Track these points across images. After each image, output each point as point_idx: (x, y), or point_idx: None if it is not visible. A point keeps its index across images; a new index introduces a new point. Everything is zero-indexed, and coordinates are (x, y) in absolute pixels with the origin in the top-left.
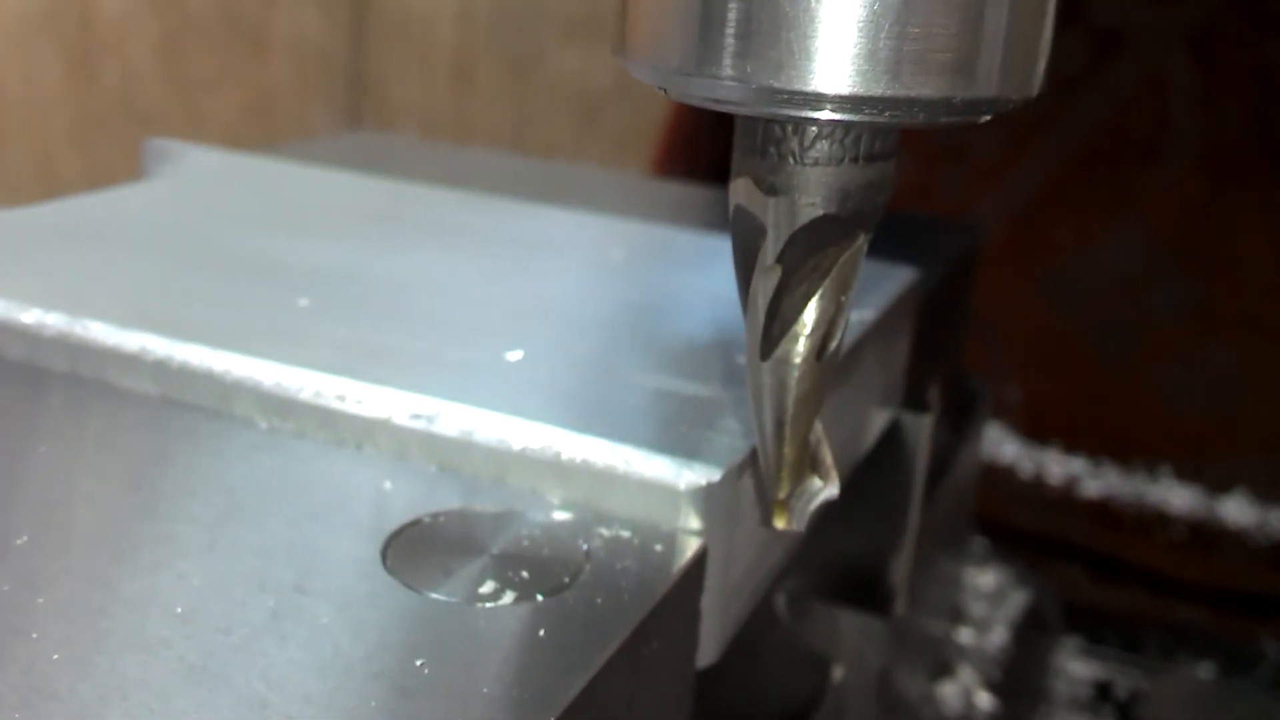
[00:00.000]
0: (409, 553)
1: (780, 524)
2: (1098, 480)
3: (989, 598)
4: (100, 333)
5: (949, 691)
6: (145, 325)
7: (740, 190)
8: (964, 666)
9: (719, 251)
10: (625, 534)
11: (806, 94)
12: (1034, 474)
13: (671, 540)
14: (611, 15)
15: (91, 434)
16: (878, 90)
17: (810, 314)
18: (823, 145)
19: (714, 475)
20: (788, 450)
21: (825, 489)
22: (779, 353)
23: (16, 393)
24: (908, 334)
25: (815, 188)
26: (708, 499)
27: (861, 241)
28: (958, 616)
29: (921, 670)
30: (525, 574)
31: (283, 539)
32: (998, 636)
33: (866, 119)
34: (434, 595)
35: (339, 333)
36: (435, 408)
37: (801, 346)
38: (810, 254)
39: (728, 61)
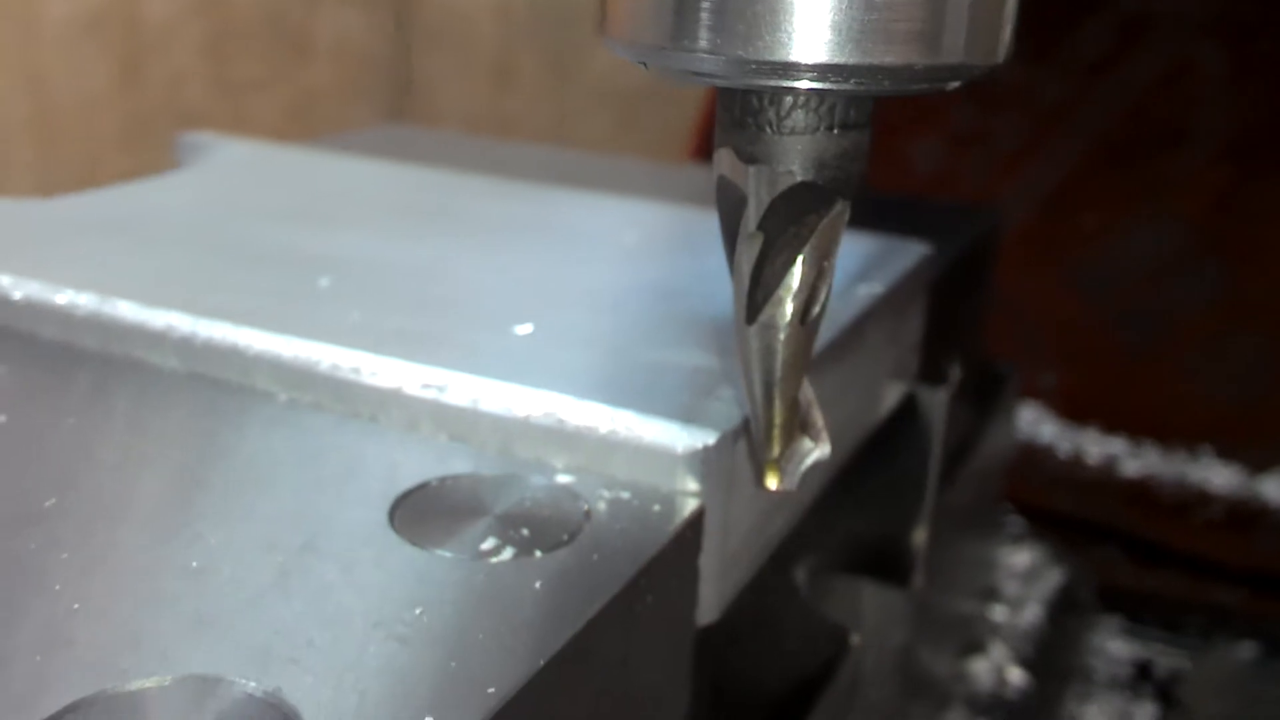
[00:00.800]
0: (415, 514)
1: (773, 484)
2: (1137, 461)
3: (1022, 577)
4: (128, 312)
5: (980, 668)
6: (171, 304)
7: (723, 161)
8: (996, 644)
9: None
10: (625, 495)
11: (776, 64)
12: (1071, 456)
13: (670, 501)
14: None
15: (118, 408)
16: (845, 59)
17: (792, 279)
18: (798, 115)
19: (710, 439)
20: (777, 412)
21: (816, 450)
22: (764, 317)
23: (49, 370)
24: (920, 310)
25: (792, 156)
26: (705, 462)
27: (840, 208)
28: (991, 595)
29: (951, 647)
30: (526, 532)
31: (295, 503)
32: (1031, 615)
33: (835, 87)
34: (437, 552)
35: (356, 312)
36: (444, 379)
37: (785, 311)
38: (790, 221)
39: (702, 35)
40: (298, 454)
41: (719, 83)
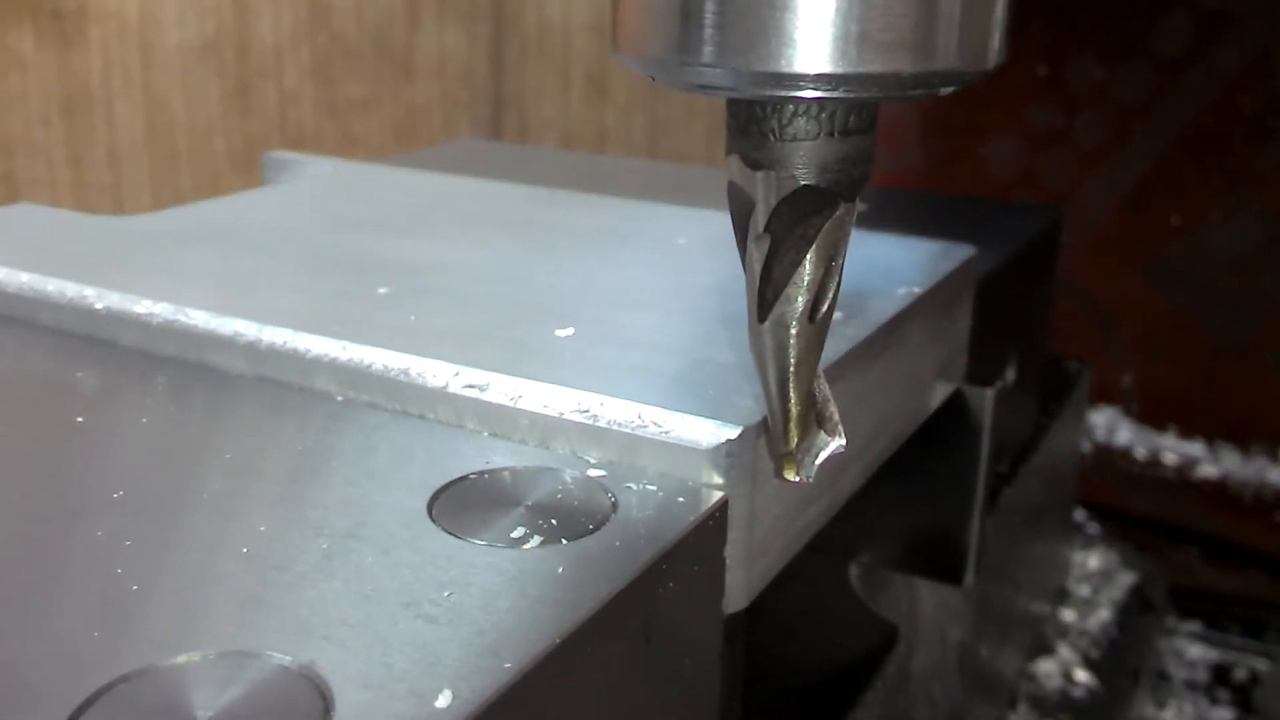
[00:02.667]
0: (453, 505)
1: (790, 476)
2: (1215, 463)
3: (1094, 579)
4: (199, 320)
5: (1047, 669)
6: (240, 312)
7: (732, 167)
8: (1063, 645)
9: None
10: (651, 488)
11: (776, 74)
12: (1149, 458)
13: (695, 494)
14: None
15: (188, 408)
16: (841, 68)
17: (800, 277)
18: (799, 122)
19: (733, 433)
20: (792, 405)
21: (832, 442)
22: (775, 315)
23: (127, 374)
24: (967, 310)
25: (794, 161)
26: (728, 455)
27: (843, 210)
28: (1061, 597)
29: (1018, 646)
30: (554, 522)
31: (343, 494)
32: (1100, 617)
33: (833, 95)
34: (470, 540)
35: (410, 316)
36: (486, 379)
37: (795, 308)
38: (795, 222)
39: (705, 49)
40: (349, 449)
41: (723, 94)
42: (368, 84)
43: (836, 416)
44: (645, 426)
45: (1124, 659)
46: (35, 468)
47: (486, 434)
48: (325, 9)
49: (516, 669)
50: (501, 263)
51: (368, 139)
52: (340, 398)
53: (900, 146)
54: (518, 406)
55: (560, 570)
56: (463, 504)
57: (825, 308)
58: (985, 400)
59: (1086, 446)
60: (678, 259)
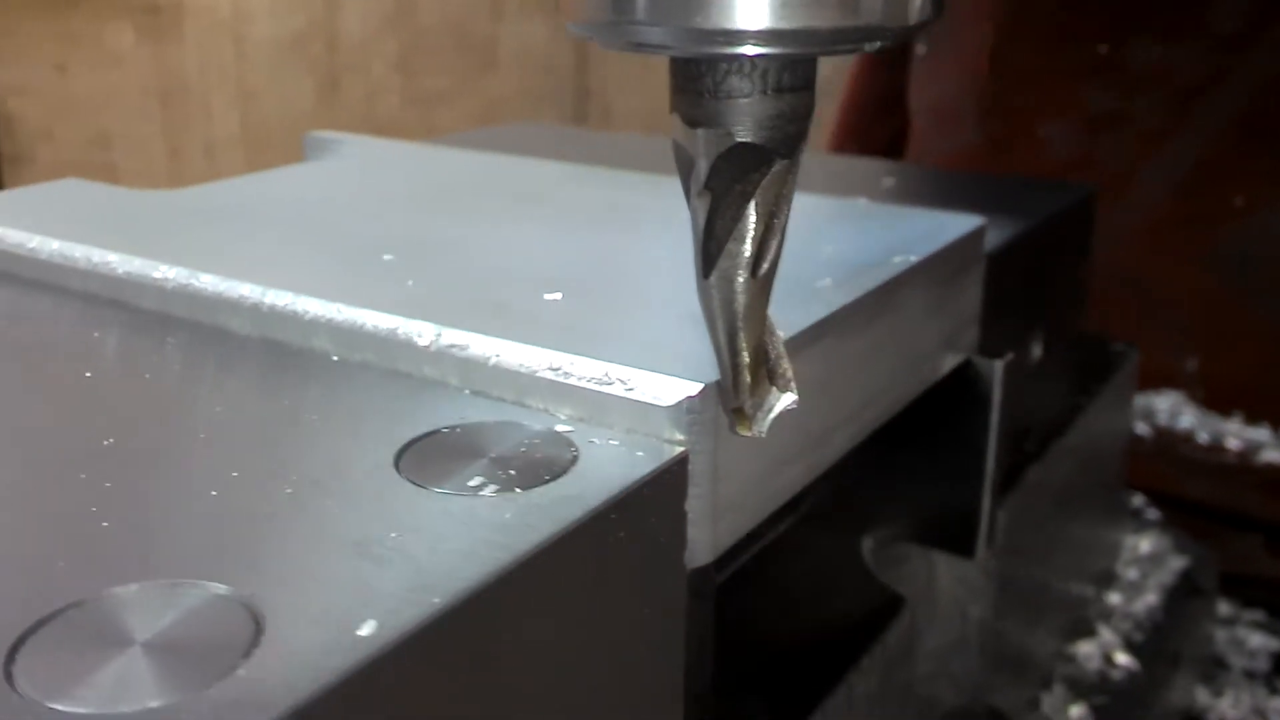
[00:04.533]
0: (420, 457)
1: (743, 431)
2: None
3: (1143, 563)
4: (210, 283)
5: (1086, 650)
6: (248, 277)
7: (675, 125)
8: (1105, 628)
9: (812, 209)
10: (614, 443)
11: (708, 31)
12: (1212, 443)
13: (656, 448)
14: None
15: (191, 366)
16: (769, 25)
17: (741, 233)
18: (733, 80)
19: (694, 389)
20: (742, 360)
21: (784, 398)
22: (719, 270)
23: (142, 335)
24: (976, 282)
25: (730, 119)
26: (689, 411)
27: (779, 166)
28: (1107, 580)
29: (1055, 627)
30: (513, 472)
31: (319, 445)
32: (1146, 601)
33: (763, 51)
34: (428, 489)
35: (408, 282)
36: (467, 339)
37: (737, 263)
38: (734, 179)
39: (640, 7)
40: (334, 404)
41: (660, 52)
42: (450, 75)
43: (790, 373)
44: (612, 384)
45: (1166, 643)
46: (37, 419)
47: (467, 391)
48: (410, 3)
49: (444, 604)
50: (511, 235)
51: (450, 129)
52: (336, 357)
53: (957, 129)
54: (494, 364)
55: (508, 516)
56: (430, 456)
57: (768, 263)
58: (994, 372)
59: (1146, 431)
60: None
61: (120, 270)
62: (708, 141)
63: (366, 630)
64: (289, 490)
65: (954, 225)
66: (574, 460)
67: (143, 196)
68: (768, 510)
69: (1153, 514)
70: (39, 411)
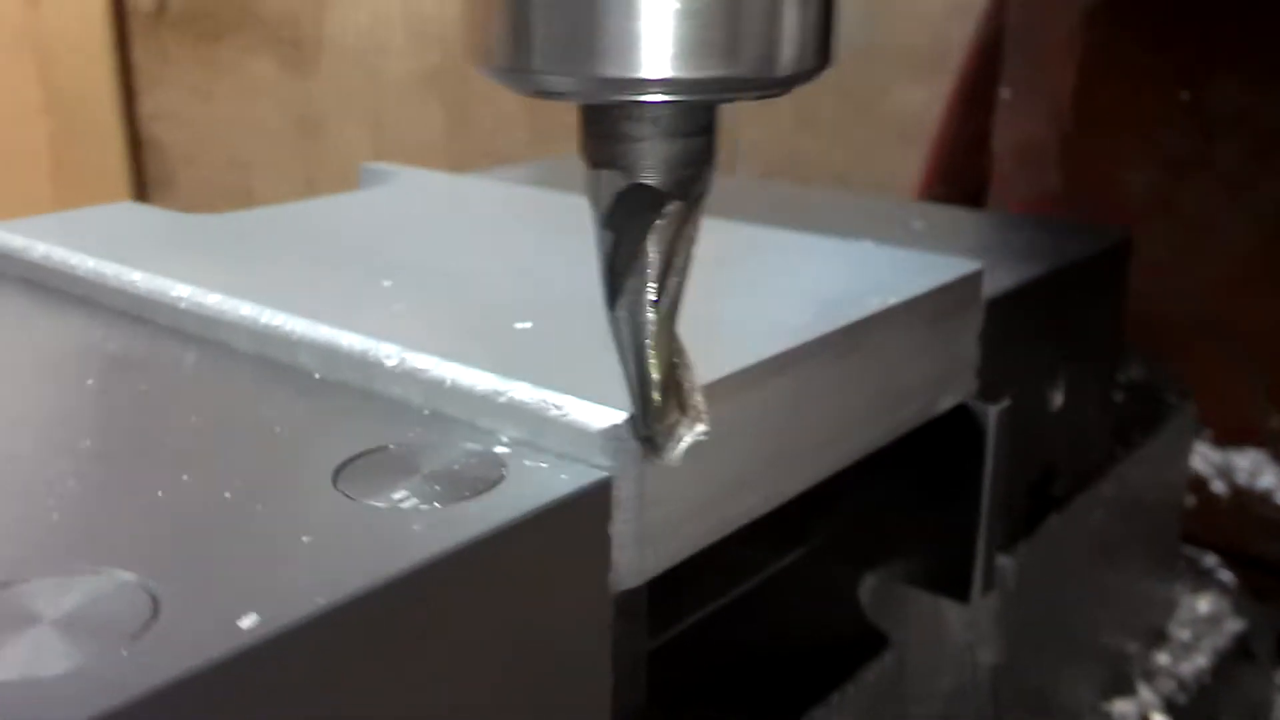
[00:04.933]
0: (359, 471)
1: (654, 459)
2: None
3: (1198, 624)
4: (215, 302)
5: (1122, 709)
6: (252, 298)
7: (584, 165)
8: (1146, 687)
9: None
10: (544, 465)
11: (598, 80)
12: None
13: (582, 472)
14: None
15: (185, 379)
16: (661, 74)
17: (640, 269)
18: (629, 125)
19: (619, 417)
20: (649, 389)
21: (695, 429)
22: (623, 303)
23: (153, 348)
24: (972, 326)
25: (627, 161)
26: (615, 438)
27: (675, 208)
28: (1155, 637)
29: (1091, 681)
30: (438, 488)
31: (274, 455)
32: (1195, 663)
33: (659, 98)
34: (356, 500)
35: (399, 306)
36: (430, 362)
37: (639, 298)
38: (631, 218)
39: (535, 57)
40: (301, 419)
41: (563, 99)
42: (574, 113)
43: (701, 405)
44: (549, 409)
45: (1209, 707)
46: (28, 419)
47: (427, 411)
48: None
49: (326, 603)
50: (517, 267)
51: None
52: (318, 375)
53: (1039, 172)
54: (448, 387)
55: (416, 528)
56: (368, 471)
57: (668, 298)
58: (989, 417)
59: (1223, 489)
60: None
61: (142, 288)
62: (608, 182)
63: (247, 622)
64: (228, 495)
65: (947, 269)
66: (499, 480)
67: (187, 220)
68: (711, 538)
69: (1226, 575)
70: (32, 412)
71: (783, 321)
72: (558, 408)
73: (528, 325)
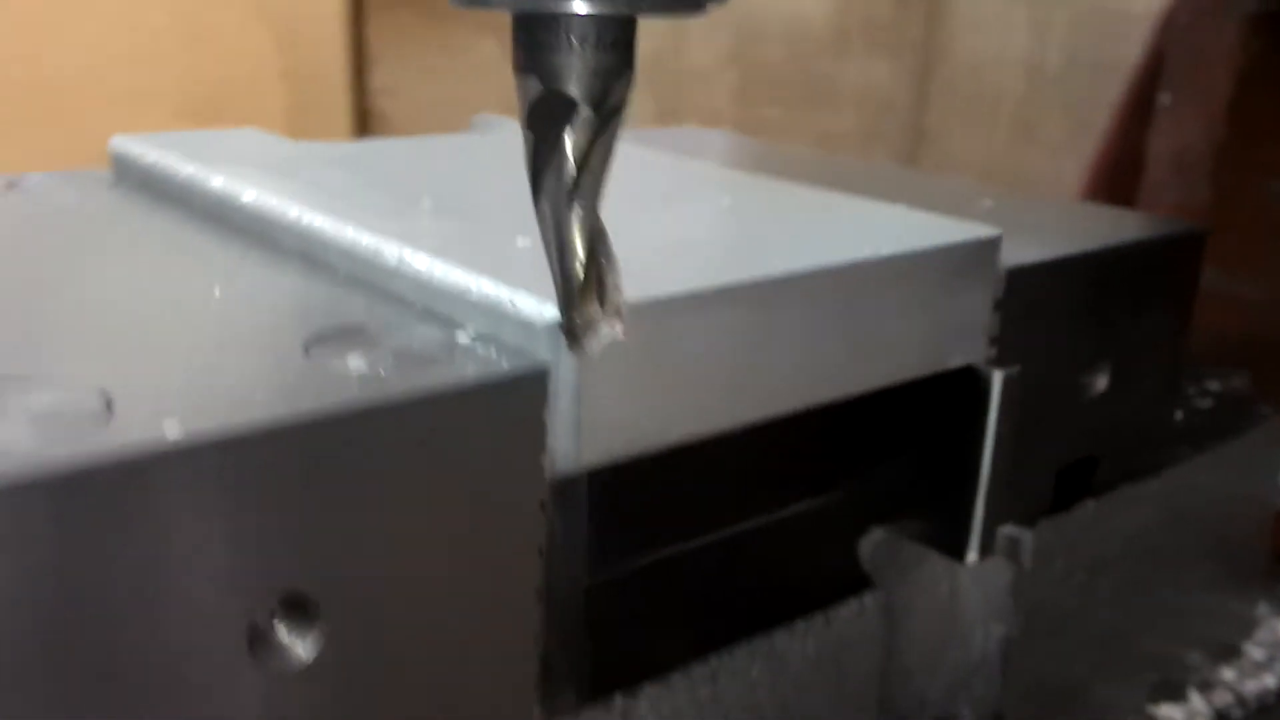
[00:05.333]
0: (330, 338)
1: (574, 348)
2: None
3: (1275, 645)
4: (274, 205)
5: (1167, 713)
6: (306, 205)
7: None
8: (1200, 696)
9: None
10: (491, 352)
11: None
12: None
13: (521, 360)
14: None
15: (223, 262)
16: None
17: (556, 169)
18: (545, 34)
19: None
20: (571, 280)
21: (612, 325)
22: (543, 199)
23: (211, 240)
24: (983, 292)
25: (541, 69)
26: (553, 332)
27: (587, 114)
28: (1225, 652)
29: (1138, 683)
30: (390, 359)
31: (265, 321)
32: (1264, 683)
33: (575, 10)
34: (311, 359)
35: (426, 220)
36: (427, 263)
37: (557, 195)
38: (546, 123)
39: None
40: (306, 302)
41: (491, 8)
42: (786, 108)
43: (620, 304)
44: (504, 304)
45: None
46: (53, 266)
47: (420, 306)
48: (753, 35)
49: (250, 427)
50: None
51: None
52: (342, 273)
53: (1191, 180)
54: (434, 283)
55: (354, 386)
56: (339, 339)
57: (583, 199)
58: (992, 380)
59: None
60: (710, 212)
61: (221, 190)
62: (529, 88)
63: (171, 430)
64: (218, 344)
65: (958, 233)
66: (446, 359)
67: (297, 146)
68: (656, 442)
69: None
70: (63, 263)
71: (760, 259)
72: (512, 303)
73: (526, 243)
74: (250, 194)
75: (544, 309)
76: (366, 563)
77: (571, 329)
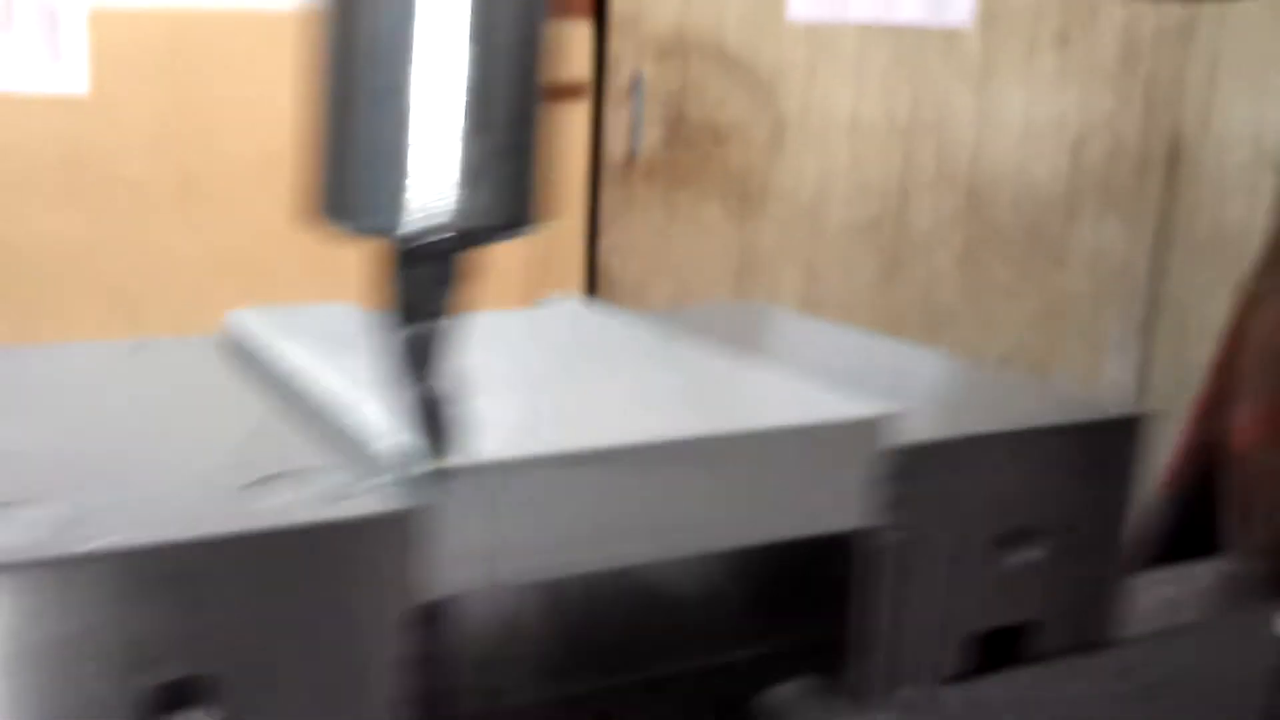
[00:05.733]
0: (269, 483)
1: (405, 473)
2: None
3: None
4: (290, 356)
5: None
6: (319, 358)
7: None
8: None
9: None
10: (371, 494)
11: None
12: None
13: (394, 501)
14: None
15: (244, 400)
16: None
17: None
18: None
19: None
20: (413, 416)
21: (434, 456)
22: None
23: (258, 391)
24: (865, 461)
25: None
26: (421, 479)
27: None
28: None
29: None
30: (299, 495)
31: (232, 457)
32: None
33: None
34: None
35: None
36: (361, 414)
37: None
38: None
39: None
40: (274, 445)
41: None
42: (1015, 270)
43: (454, 442)
44: (386, 455)
45: None
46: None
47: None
48: (981, 199)
49: (149, 542)
50: (523, 370)
51: (1007, 323)
52: (318, 414)
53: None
54: (364, 429)
55: (251, 509)
56: (276, 480)
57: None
58: (880, 547)
59: None
60: (640, 382)
61: (264, 350)
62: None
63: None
64: (186, 473)
65: (839, 408)
66: (341, 495)
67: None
68: (501, 579)
69: None
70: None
71: (636, 425)
72: (390, 454)
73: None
74: (282, 355)
75: (414, 460)
76: (242, 655)
77: (408, 457)
